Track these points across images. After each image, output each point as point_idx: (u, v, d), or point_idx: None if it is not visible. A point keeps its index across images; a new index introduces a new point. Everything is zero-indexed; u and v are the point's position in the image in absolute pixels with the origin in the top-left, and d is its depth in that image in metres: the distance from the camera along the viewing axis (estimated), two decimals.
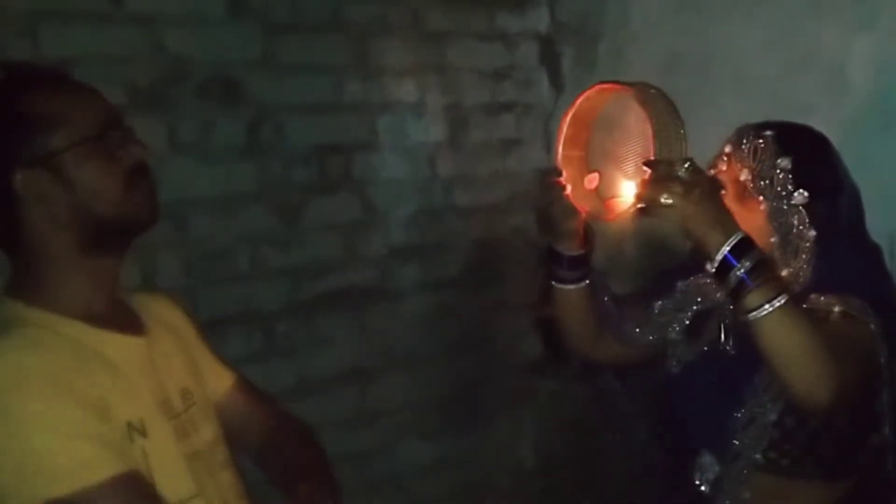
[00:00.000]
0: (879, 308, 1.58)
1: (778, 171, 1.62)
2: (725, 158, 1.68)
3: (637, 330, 1.83)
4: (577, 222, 1.69)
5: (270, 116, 2.50)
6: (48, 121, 1.32)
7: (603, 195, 1.64)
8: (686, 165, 1.45)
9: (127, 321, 1.44)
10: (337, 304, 2.66)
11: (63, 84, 1.40)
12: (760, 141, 1.64)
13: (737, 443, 1.63)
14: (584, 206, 1.65)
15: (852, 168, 1.71)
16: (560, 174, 1.64)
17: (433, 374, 2.90)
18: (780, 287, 1.43)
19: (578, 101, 1.67)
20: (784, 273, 1.61)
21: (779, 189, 1.62)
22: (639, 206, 1.48)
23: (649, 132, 1.52)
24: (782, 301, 1.41)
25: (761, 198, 1.63)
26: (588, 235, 1.74)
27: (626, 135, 1.62)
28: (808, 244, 1.62)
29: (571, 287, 1.78)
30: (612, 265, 1.78)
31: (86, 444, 1.25)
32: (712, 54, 2.76)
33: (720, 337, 1.72)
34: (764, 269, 1.43)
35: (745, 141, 1.66)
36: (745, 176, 1.63)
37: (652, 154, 1.50)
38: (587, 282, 1.78)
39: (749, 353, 1.60)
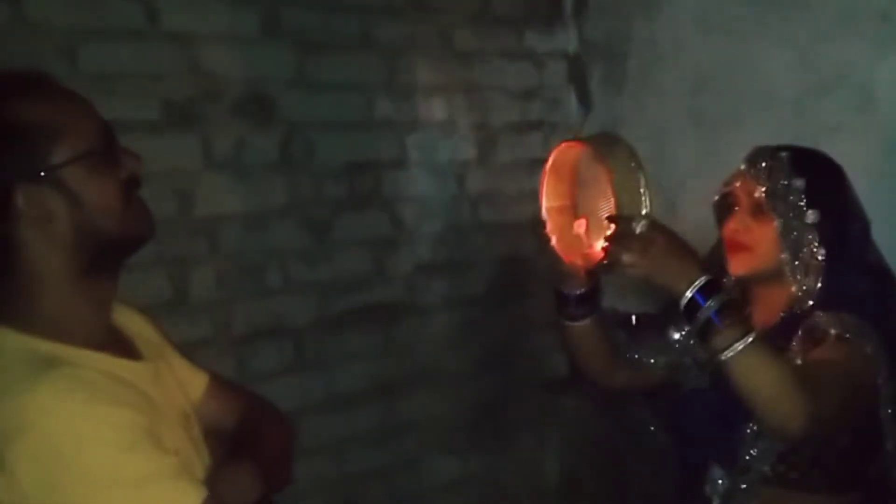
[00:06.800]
0: (882, 328, 1.61)
1: (791, 190, 1.66)
2: (742, 175, 1.72)
3: (652, 360, 1.87)
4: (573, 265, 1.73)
5: (302, 134, 2.53)
6: (48, 132, 1.19)
7: (586, 244, 1.68)
8: (643, 221, 1.50)
9: (125, 345, 1.33)
10: (365, 320, 2.68)
11: (56, 92, 1.25)
12: (775, 161, 1.68)
13: (747, 456, 1.65)
14: (568, 255, 1.69)
15: (879, 188, 1.72)
16: (545, 226, 1.69)
17: (459, 390, 2.92)
18: (748, 327, 1.47)
19: (552, 156, 1.72)
20: (793, 289, 1.66)
21: (791, 208, 1.66)
22: (603, 263, 1.54)
23: (608, 187, 1.58)
24: (749, 340, 1.44)
25: (774, 215, 1.66)
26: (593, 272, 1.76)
27: (596, 189, 1.66)
28: (817, 262, 1.65)
29: (581, 324, 1.81)
30: (628, 283, 1.80)
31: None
32: (740, 74, 2.77)
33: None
34: (731, 309, 1.47)
35: (761, 160, 1.70)
36: (759, 193, 1.67)
37: (615, 208, 1.56)
38: (596, 315, 1.81)
39: None
